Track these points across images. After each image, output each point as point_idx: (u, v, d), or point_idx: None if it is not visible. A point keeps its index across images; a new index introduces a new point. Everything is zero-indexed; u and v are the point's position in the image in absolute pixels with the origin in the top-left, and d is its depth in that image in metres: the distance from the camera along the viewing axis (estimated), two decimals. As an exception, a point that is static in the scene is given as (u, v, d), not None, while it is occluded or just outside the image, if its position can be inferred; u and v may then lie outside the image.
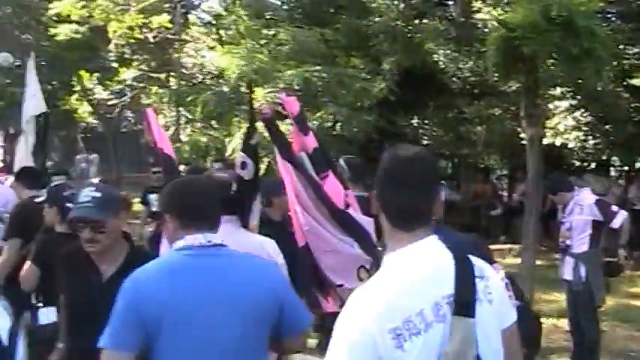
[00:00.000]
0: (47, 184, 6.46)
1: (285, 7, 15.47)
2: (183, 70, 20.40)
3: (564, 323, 7.92)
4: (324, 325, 5.17)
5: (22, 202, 6.48)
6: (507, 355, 2.11)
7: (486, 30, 11.56)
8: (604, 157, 15.35)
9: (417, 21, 13.49)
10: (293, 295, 2.88)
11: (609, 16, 12.77)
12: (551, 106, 13.51)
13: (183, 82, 17.31)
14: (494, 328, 2.09)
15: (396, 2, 13.50)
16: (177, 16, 19.90)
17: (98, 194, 3.35)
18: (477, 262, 2.13)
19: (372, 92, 12.03)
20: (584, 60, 8.11)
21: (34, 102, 10.20)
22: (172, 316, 2.51)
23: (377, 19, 13.02)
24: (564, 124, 13.46)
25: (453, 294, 2.00)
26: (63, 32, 19.63)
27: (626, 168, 16.30)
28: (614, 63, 10.53)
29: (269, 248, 3.72)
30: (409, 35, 13.03)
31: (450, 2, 14.67)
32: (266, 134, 4.57)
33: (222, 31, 16.65)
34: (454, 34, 13.22)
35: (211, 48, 18.47)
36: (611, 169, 16.75)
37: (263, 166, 7.89)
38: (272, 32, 13.20)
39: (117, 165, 22.69)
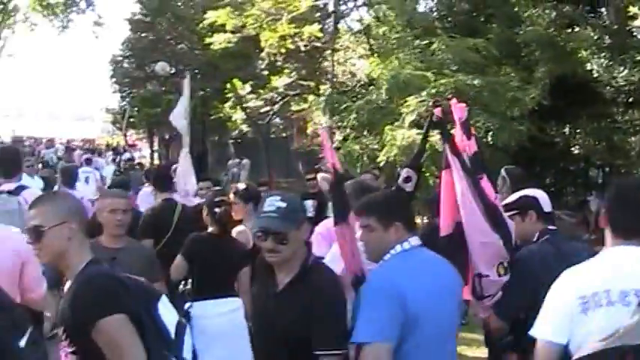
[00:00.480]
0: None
1: (435, 15, 15.83)
2: (332, 78, 21.02)
3: None
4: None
5: (153, 205, 7.38)
6: None
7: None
8: None
9: (568, 29, 13.55)
10: None
11: None
12: None
13: (332, 90, 17.88)
14: None
15: (547, 11, 13.62)
16: (327, 26, 20.54)
17: (283, 204, 3.35)
18: None
19: (523, 101, 12.25)
20: None
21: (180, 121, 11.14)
22: (424, 310, 3.19)
23: (528, 28, 13.21)
24: None
25: None
26: (217, 41, 20.76)
27: None
28: None
29: None
30: (561, 44, 13.14)
31: (603, 9, 14.56)
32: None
33: (372, 41, 17.23)
34: (608, 42, 13.17)
35: (361, 57, 19.02)
36: None
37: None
38: (424, 42, 13.56)
39: (268, 170, 23.63)
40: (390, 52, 14.29)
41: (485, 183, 4.30)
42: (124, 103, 40.72)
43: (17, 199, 5.35)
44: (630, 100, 13.77)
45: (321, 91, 19.19)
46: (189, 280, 5.88)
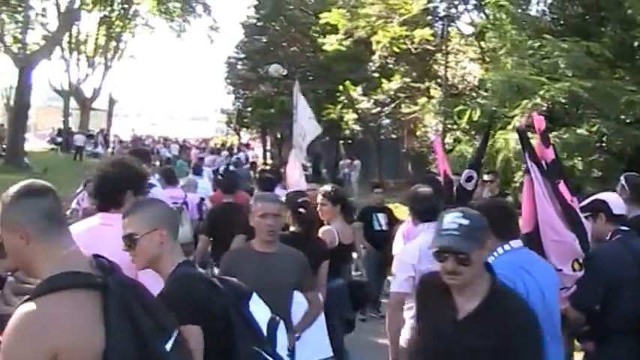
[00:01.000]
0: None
1: (547, 18, 15.74)
2: (439, 81, 21.13)
3: None
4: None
5: (214, 206, 7.84)
6: None
7: None
8: None
9: (685, 31, 13.23)
10: None
11: None
12: None
13: (441, 93, 18.07)
14: None
15: (662, 13, 13.32)
16: (438, 29, 20.69)
17: (465, 222, 3.08)
18: None
19: (638, 105, 12.09)
20: None
21: (311, 126, 11.69)
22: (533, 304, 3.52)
23: (642, 31, 12.96)
24: None
25: None
26: (329, 42, 21.22)
27: None
28: None
29: None
30: (678, 46, 12.88)
31: None
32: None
33: (483, 44, 17.31)
34: None
35: (472, 60, 19.08)
36: None
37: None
38: (537, 45, 13.53)
39: (379, 171, 23.92)
40: (501, 55, 14.38)
41: (562, 187, 4.62)
42: (238, 104, 42.02)
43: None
44: None
45: (431, 94, 19.36)
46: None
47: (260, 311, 3.08)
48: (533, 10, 16.11)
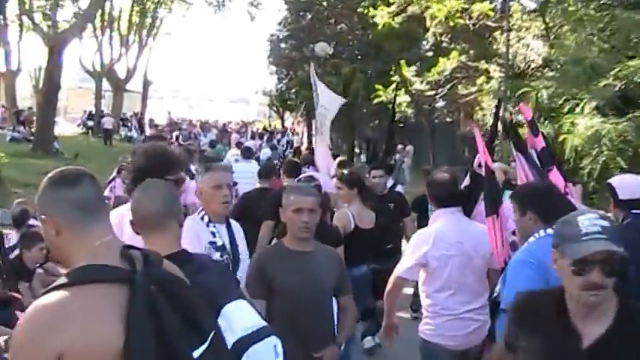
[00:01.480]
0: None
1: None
2: (500, 60, 20.78)
3: None
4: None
5: (279, 189, 8.01)
6: None
7: None
8: None
9: None
10: None
11: None
12: None
13: (502, 73, 17.76)
14: None
15: None
16: (498, 3, 20.37)
17: (606, 223, 2.79)
18: None
19: None
20: None
21: (335, 102, 11.76)
22: None
23: None
24: None
25: None
26: (381, 16, 20.95)
27: None
28: None
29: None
30: None
31: None
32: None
33: (548, 19, 16.97)
34: None
35: (536, 37, 18.73)
36: None
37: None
38: (606, 18, 13.16)
39: (432, 156, 23.76)
40: (568, 31, 14.07)
41: (554, 174, 5.11)
42: (281, 85, 42.09)
43: None
44: None
45: (491, 74, 19.08)
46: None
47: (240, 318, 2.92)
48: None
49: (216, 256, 4.66)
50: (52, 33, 31.57)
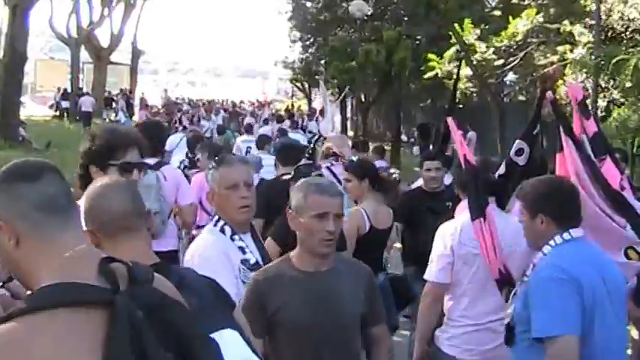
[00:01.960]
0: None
1: None
2: (589, 20, 20.61)
3: None
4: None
5: (267, 181, 8.37)
6: None
7: None
8: None
9: None
10: None
11: None
12: None
13: (596, 38, 17.59)
14: None
15: None
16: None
17: None
18: None
19: None
20: None
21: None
22: (599, 301, 4.15)
23: None
24: None
25: None
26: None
27: None
28: None
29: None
30: None
31: None
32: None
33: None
34: None
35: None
36: None
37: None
38: None
39: (501, 144, 23.54)
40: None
41: (608, 164, 5.34)
42: (307, 55, 42.09)
43: (156, 173, 6.35)
44: None
45: (577, 39, 18.94)
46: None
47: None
48: None
49: (251, 276, 4.41)
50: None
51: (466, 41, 22.00)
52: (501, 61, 22.20)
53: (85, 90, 44.64)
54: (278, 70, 58.14)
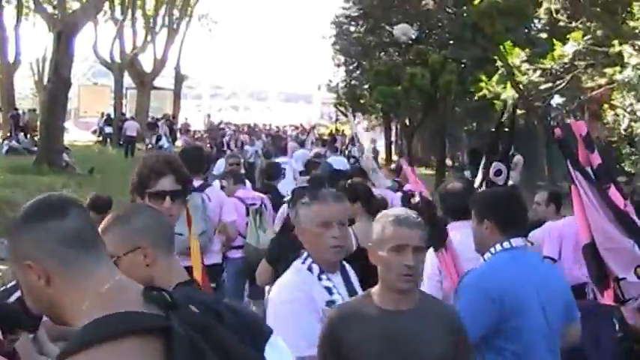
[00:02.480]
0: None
1: None
2: (638, 42, 20.50)
3: None
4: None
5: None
6: None
7: None
8: None
9: None
10: None
11: None
12: None
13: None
14: None
15: None
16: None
17: None
18: None
19: None
20: None
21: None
22: (522, 309, 4.56)
23: None
24: None
25: None
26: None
27: None
28: None
29: None
30: None
31: None
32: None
33: None
34: None
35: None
36: None
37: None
38: None
39: (547, 170, 23.46)
40: None
41: (613, 191, 5.91)
42: (351, 79, 42.15)
43: (201, 195, 7.47)
44: None
45: (626, 60, 18.85)
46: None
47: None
48: None
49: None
50: (60, 15, 32.08)
51: (511, 64, 21.99)
52: (548, 84, 22.14)
53: (128, 115, 44.93)
54: (322, 94, 58.53)
